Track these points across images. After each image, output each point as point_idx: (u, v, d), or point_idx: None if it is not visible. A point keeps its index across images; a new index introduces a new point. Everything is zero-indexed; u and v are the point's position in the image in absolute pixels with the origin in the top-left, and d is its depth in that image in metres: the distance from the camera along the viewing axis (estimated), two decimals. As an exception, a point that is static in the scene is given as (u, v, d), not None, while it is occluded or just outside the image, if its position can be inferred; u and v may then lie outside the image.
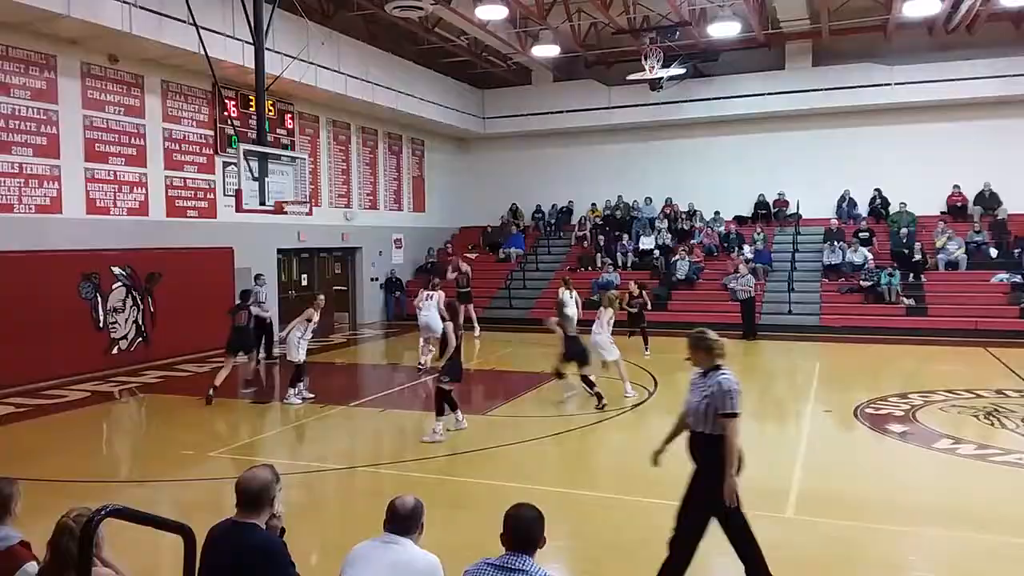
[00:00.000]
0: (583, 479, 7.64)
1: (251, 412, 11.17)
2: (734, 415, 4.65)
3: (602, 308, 11.48)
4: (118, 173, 14.21)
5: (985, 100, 20.01)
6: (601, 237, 22.77)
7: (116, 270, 14.08)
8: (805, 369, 14.19)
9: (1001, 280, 18.35)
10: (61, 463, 8.30)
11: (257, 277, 15.25)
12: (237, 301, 12.72)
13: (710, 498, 4.62)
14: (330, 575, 3.58)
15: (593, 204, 24.41)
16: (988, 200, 20.73)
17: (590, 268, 21.88)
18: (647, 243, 22.19)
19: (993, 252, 19.44)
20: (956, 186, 21.00)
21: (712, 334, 4.92)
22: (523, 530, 3.24)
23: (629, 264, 21.87)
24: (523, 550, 3.20)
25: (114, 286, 14.04)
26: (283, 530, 3.59)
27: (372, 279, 21.67)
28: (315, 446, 9.44)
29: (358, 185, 21.07)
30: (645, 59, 19.77)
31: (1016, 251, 19.07)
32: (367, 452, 8.77)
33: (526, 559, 3.18)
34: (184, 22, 13.36)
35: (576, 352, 10.48)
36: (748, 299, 17.74)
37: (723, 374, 4.75)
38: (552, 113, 23.73)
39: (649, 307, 16.06)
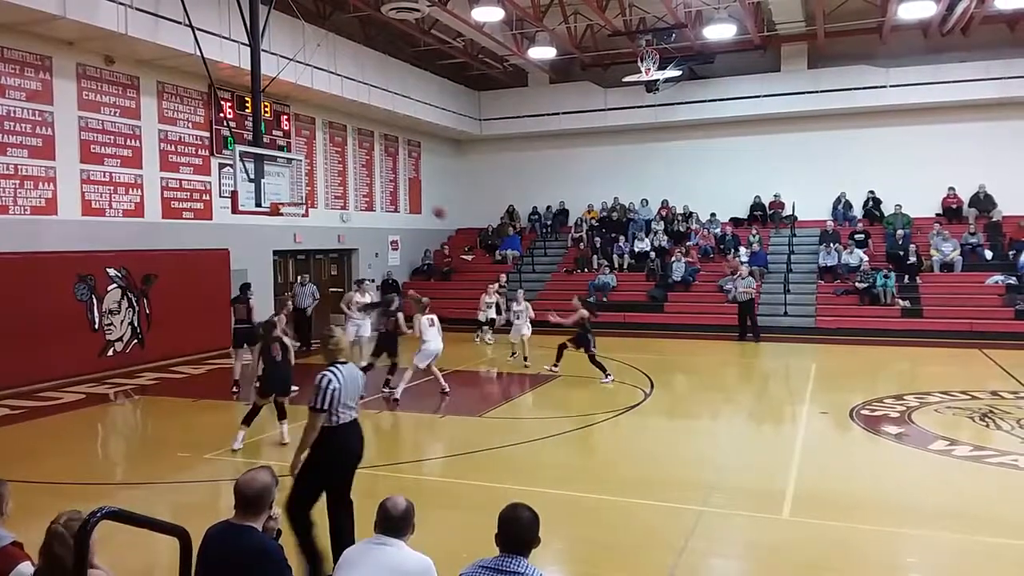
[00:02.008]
0: (579, 481, 7.64)
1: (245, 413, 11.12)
2: (311, 409, 5.01)
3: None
4: (113, 175, 14.18)
5: (980, 102, 20.07)
6: (597, 239, 22.80)
7: (111, 272, 14.05)
8: (801, 371, 14.21)
9: (996, 282, 18.39)
10: (56, 465, 8.28)
11: (300, 276, 16.76)
12: (235, 294, 12.92)
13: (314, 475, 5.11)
14: (326, 577, 3.58)
15: (590, 205, 24.42)
16: (983, 202, 20.79)
17: (586, 270, 21.89)
18: (643, 245, 22.21)
19: (988, 254, 19.50)
20: (951, 188, 21.07)
21: (336, 331, 5.38)
22: (517, 531, 3.23)
23: (625, 266, 21.89)
24: (517, 551, 3.20)
25: (109, 288, 14.01)
26: (279, 532, 3.59)
27: (369, 280, 21.62)
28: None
29: (354, 187, 21.06)
30: (641, 61, 19.82)
31: (1011, 253, 19.13)
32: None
33: (521, 561, 3.17)
34: (180, 24, 13.36)
35: None
36: (748, 301, 17.74)
37: (324, 370, 5.12)
38: (548, 115, 23.75)
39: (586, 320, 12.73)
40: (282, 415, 8.94)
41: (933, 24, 19.41)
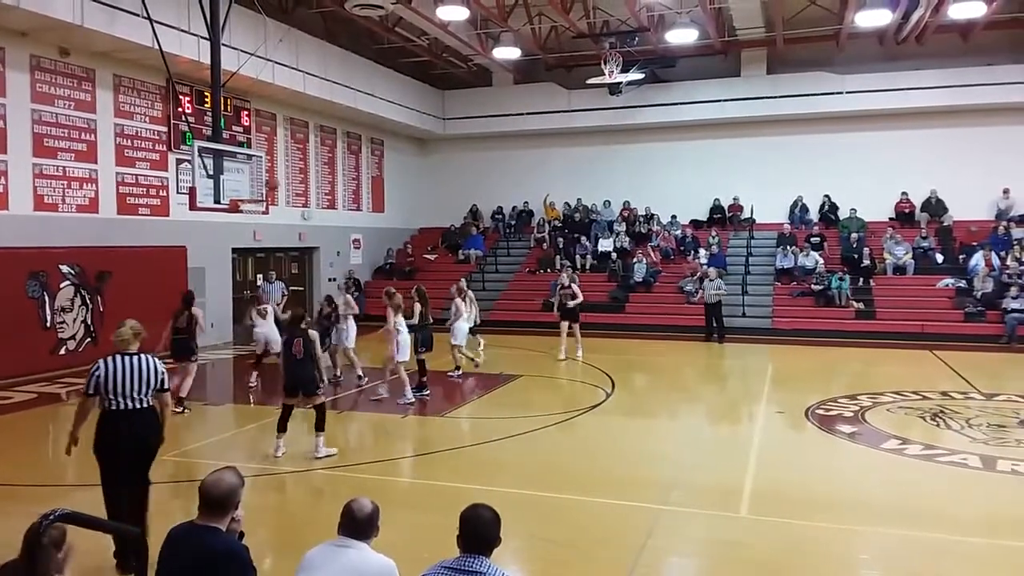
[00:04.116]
0: (540, 480, 7.67)
1: (204, 415, 10.97)
2: (82, 392, 5.64)
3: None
4: (67, 169, 13.86)
5: (933, 109, 20.58)
6: (560, 239, 22.89)
7: (64, 268, 13.73)
8: (758, 371, 14.43)
9: (946, 285, 18.89)
10: (8, 466, 8.06)
11: (267, 275, 16.05)
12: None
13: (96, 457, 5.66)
14: (286, 579, 3.55)
15: (546, 197, 24.27)
16: (934, 207, 21.33)
17: (549, 270, 21.96)
18: (605, 245, 22.37)
19: (939, 258, 20.01)
20: (904, 193, 21.58)
21: (126, 324, 5.77)
22: (478, 531, 3.24)
23: (587, 266, 22.01)
24: (479, 551, 3.21)
25: (62, 285, 13.69)
26: (242, 534, 3.55)
27: (330, 279, 21.46)
28: (269, 448, 9.31)
29: (316, 184, 20.86)
30: (604, 63, 19.95)
31: (961, 256, 19.65)
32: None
33: (482, 560, 3.18)
34: (137, 16, 13.12)
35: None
36: (717, 303, 17.90)
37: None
38: (512, 115, 23.78)
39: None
40: (319, 425, 8.26)
41: (889, 32, 19.89)
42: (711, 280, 17.99)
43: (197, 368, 11.35)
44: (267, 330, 12.28)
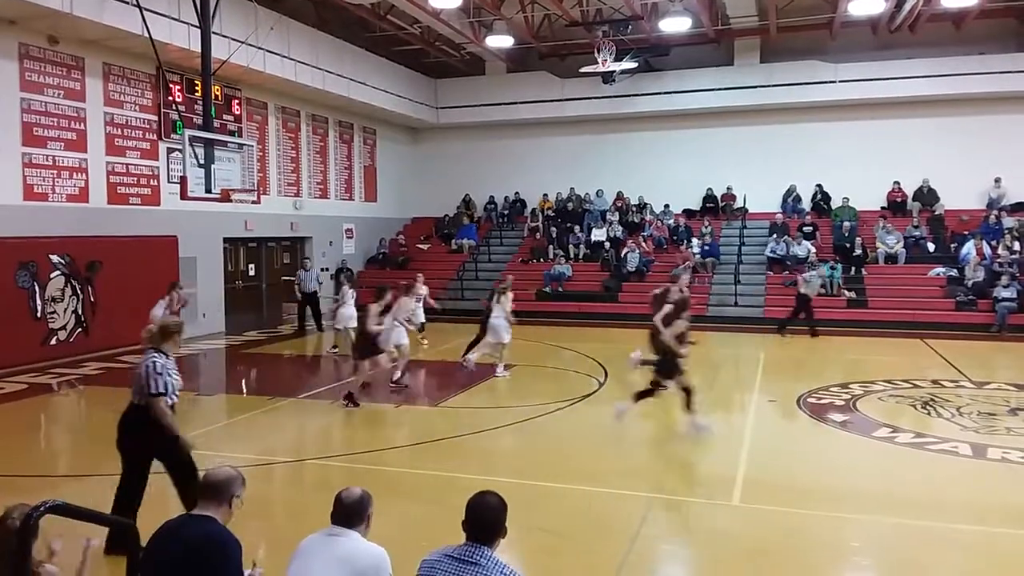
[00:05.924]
0: (533, 470, 7.68)
1: (197, 405, 10.95)
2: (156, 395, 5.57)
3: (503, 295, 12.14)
4: (57, 158, 13.76)
5: (925, 98, 20.60)
6: (553, 229, 22.87)
7: (55, 258, 13.66)
8: (750, 360, 14.47)
9: (938, 274, 18.96)
10: (-3, 457, 8.04)
11: (304, 261, 18.00)
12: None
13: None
14: (279, 569, 3.55)
15: (544, 195, 24.42)
16: (926, 196, 21.38)
17: (542, 260, 21.96)
18: (598, 235, 22.35)
19: (931, 247, 20.07)
20: (896, 182, 21.63)
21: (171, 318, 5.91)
22: (481, 517, 3.23)
23: (580, 256, 22.02)
24: (482, 539, 3.19)
25: (52, 275, 13.62)
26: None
27: (322, 269, 21.40)
28: (263, 439, 9.29)
29: (308, 173, 20.77)
30: (598, 52, 19.90)
31: (952, 246, 19.72)
32: (316, 444, 8.68)
33: (483, 550, 3.15)
34: (127, 3, 13.01)
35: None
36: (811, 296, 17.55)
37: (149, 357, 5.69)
38: (505, 104, 23.69)
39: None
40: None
41: (882, 21, 19.88)
42: (811, 272, 17.51)
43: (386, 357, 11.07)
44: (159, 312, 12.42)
